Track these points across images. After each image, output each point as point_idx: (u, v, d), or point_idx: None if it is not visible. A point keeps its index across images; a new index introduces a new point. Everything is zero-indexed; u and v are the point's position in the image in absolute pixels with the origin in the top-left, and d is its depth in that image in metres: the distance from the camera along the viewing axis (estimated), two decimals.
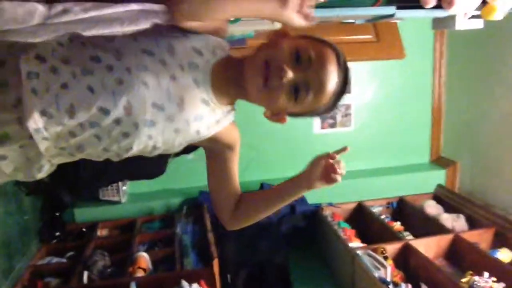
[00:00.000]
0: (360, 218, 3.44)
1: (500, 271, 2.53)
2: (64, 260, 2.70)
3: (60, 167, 2.67)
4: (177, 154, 3.03)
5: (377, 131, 3.82)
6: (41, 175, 0.96)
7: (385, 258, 2.66)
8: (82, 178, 2.68)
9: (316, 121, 3.70)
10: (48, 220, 2.91)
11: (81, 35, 0.95)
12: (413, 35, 3.50)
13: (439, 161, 3.91)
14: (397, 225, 3.24)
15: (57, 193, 2.86)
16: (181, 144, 0.98)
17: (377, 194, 3.61)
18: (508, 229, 2.92)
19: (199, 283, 2.34)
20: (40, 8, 1.09)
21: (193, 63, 0.93)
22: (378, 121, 3.81)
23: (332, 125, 3.74)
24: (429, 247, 2.85)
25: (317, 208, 3.41)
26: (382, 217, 3.38)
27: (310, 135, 3.71)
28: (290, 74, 0.89)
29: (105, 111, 0.86)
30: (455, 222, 3.17)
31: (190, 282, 2.32)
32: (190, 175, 3.49)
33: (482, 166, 3.50)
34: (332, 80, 0.92)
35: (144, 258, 2.57)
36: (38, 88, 0.83)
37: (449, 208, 3.40)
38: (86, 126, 0.87)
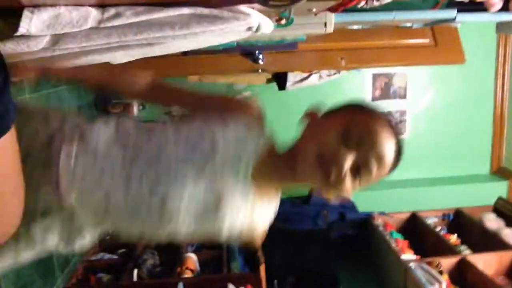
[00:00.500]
0: (413, 229, 3.31)
1: None
2: (115, 256, 2.79)
3: None
4: None
5: (434, 139, 3.66)
6: (83, 244, 0.95)
7: (440, 272, 2.53)
8: None
9: None
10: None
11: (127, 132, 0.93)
12: (474, 38, 3.33)
13: (500, 172, 3.68)
14: (453, 238, 3.09)
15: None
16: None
17: (432, 205, 3.46)
18: None
19: (245, 287, 2.34)
20: (94, 12, 1.12)
21: (236, 156, 0.91)
22: (435, 129, 3.65)
23: None
24: (488, 263, 2.68)
25: (368, 217, 3.31)
26: (438, 229, 3.23)
27: None
28: (347, 164, 0.84)
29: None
30: None
31: (237, 286, 2.32)
32: None
33: None
34: (390, 147, 0.86)
35: (192, 259, 2.59)
36: (76, 171, 0.85)
37: (511, 223, 3.19)
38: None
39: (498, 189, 3.55)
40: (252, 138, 0.93)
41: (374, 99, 3.56)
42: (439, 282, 2.44)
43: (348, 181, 0.85)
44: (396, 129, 0.89)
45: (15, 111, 0.58)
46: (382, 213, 3.35)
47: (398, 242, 2.95)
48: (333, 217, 3.34)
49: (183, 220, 0.88)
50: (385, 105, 3.57)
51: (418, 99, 3.60)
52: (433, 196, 3.49)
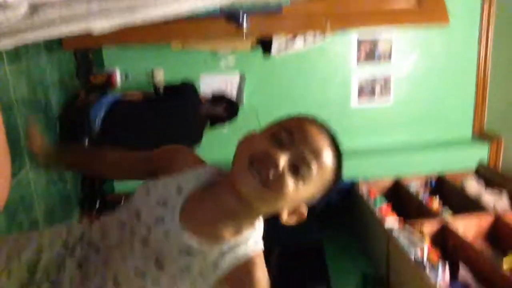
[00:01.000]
0: (397, 195, 3.38)
1: None
2: None
3: (99, 140, 2.71)
4: (213, 126, 3.03)
5: (418, 104, 3.69)
6: None
7: (422, 236, 2.61)
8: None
9: (354, 94, 3.61)
10: (88, 191, 3.00)
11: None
12: (458, 2, 3.31)
13: (482, 136, 3.75)
14: (435, 203, 3.16)
15: None
16: None
17: (416, 170, 3.52)
18: None
19: None
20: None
21: (159, 218, 0.88)
22: (419, 94, 3.68)
23: (371, 98, 3.63)
24: (468, 226, 2.77)
25: (352, 184, 3.36)
26: (420, 194, 3.30)
27: (347, 109, 3.63)
28: (282, 161, 0.80)
29: None
30: (497, 201, 3.06)
31: None
32: (224, 148, 3.51)
33: None
34: (323, 141, 0.83)
35: None
36: None
37: (491, 187, 3.28)
38: None
39: (479, 153, 3.63)
40: (173, 192, 0.91)
41: (359, 60, 3.55)
42: (421, 246, 2.52)
43: (288, 180, 0.81)
44: (328, 128, 0.87)
45: None
46: (366, 180, 3.41)
47: (382, 209, 3.02)
48: None
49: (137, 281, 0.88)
50: (370, 69, 3.57)
51: (402, 63, 3.60)
52: (416, 161, 3.55)
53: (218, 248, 0.86)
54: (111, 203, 3.07)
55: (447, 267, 2.46)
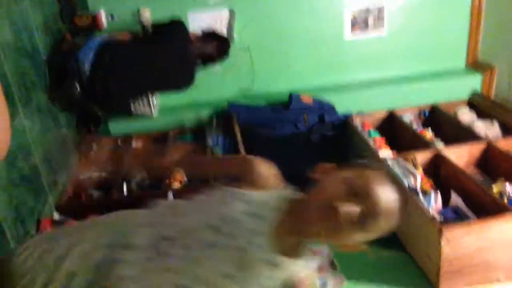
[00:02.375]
0: (390, 127, 3.41)
1: None
2: (104, 173, 2.83)
3: (89, 84, 2.68)
4: (205, 65, 2.99)
5: (411, 35, 3.63)
6: None
7: (415, 167, 2.67)
8: (111, 91, 2.70)
9: (347, 26, 3.53)
10: (84, 134, 3.02)
11: None
12: None
13: (475, 66, 3.73)
14: (428, 134, 3.20)
15: (90, 108, 2.92)
16: None
17: (409, 101, 3.53)
18: None
19: None
20: None
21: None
22: (412, 24, 3.60)
23: (364, 30, 3.56)
24: (460, 155, 2.83)
25: (347, 118, 3.38)
26: (414, 125, 3.33)
27: (340, 41, 3.56)
28: (349, 209, 0.91)
29: None
30: (488, 129, 3.11)
31: None
32: (218, 87, 3.49)
33: None
34: (390, 204, 0.93)
35: (180, 172, 2.66)
36: None
37: (483, 115, 3.32)
38: None
39: (473, 83, 3.63)
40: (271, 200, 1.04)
41: None
42: (414, 175, 2.59)
43: (350, 230, 0.92)
44: (401, 188, 0.97)
45: None
46: (360, 113, 3.42)
47: (375, 141, 3.06)
48: (313, 120, 3.39)
49: None
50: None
51: None
52: (410, 93, 3.56)
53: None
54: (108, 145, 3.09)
55: (439, 194, 2.55)
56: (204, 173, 1.35)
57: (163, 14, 3.09)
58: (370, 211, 0.92)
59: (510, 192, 2.43)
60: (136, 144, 3.17)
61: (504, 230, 2.17)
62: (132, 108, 3.18)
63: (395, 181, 0.98)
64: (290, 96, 3.40)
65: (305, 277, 1.03)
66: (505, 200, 2.40)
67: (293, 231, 1.00)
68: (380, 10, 3.53)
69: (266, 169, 1.14)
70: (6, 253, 1.65)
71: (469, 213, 2.44)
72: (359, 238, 0.96)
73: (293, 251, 1.01)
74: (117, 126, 3.30)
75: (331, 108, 3.44)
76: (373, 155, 2.88)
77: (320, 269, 2.24)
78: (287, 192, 1.09)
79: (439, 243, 2.14)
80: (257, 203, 1.03)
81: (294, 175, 2.95)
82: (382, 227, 0.95)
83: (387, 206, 0.93)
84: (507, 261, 2.21)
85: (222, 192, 1.07)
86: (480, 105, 3.47)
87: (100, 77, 2.55)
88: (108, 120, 3.26)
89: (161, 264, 0.95)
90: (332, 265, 2.33)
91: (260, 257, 0.97)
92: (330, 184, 0.97)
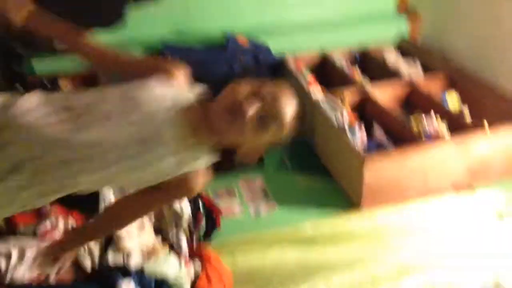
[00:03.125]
0: (322, 68, 3.51)
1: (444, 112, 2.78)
2: None
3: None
4: (137, 2, 2.88)
5: None
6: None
7: (343, 103, 2.80)
8: None
9: None
10: (8, 74, 2.84)
11: None
12: None
13: (404, 11, 3.86)
14: (357, 74, 3.33)
15: (10, 46, 2.74)
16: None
17: (341, 44, 3.61)
18: (459, 76, 3.09)
19: None
20: None
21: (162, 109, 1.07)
22: None
23: None
24: (385, 93, 3.00)
25: (281, 59, 3.42)
26: (344, 67, 3.44)
27: None
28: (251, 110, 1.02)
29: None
30: (412, 71, 3.29)
31: None
32: (152, 25, 3.35)
33: (444, 19, 3.52)
34: (289, 109, 1.09)
35: None
36: None
37: (408, 58, 3.49)
38: None
39: (401, 28, 3.77)
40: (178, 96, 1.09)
41: None
42: (341, 111, 2.72)
43: (253, 128, 1.04)
44: (301, 100, 1.15)
45: None
46: (294, 55, 3.47)
47: (308, 79, 3.14)
48: (248, 61, 3.40)
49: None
50: None
51: None
52: (341, 35, 3.63)
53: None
54: (32, 84, 2.94)
55: (363, 128, 2.70)
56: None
57: None
58: (272, 110, 1.04)
59: (425, 124, 2.63)
60: (63, 85, 3.04)
61: (418, 158, 2.38)
62: (57, 46, 3.01)
63: (296, 95, 1.12)
64: (227, 37, 3.37)
65: (202, 172, 1.12)
66: (421, 132, 2.60)
67: (200, 127, 1.07)
68: None
69: (177, 72, 1.17)
70: None
71: (389, 145, 2.63)
72: (260, 139, 1.07)
73: (196, 147, 1.09)
74: (41, 63, 3.12)
75: (266, 50, 3.45)
76: (307, 96, 2.96)
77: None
78: (198, 89, 1.16)
79: (362, 171, 2.30)
80: (168, 96, 1.07)
81: None
82: (280, 129, 1.08)
83: (286, 109, 1.06)
84: (418, 183, 2.44)
85: (138, 83, 1.10)
86: (406, 49, 3.64)
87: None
88: (31, 56, 3.07)
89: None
90: (264, 193, 2.45)
91: (165, 142, 1.04)
92: (238, 87, 1.06)
